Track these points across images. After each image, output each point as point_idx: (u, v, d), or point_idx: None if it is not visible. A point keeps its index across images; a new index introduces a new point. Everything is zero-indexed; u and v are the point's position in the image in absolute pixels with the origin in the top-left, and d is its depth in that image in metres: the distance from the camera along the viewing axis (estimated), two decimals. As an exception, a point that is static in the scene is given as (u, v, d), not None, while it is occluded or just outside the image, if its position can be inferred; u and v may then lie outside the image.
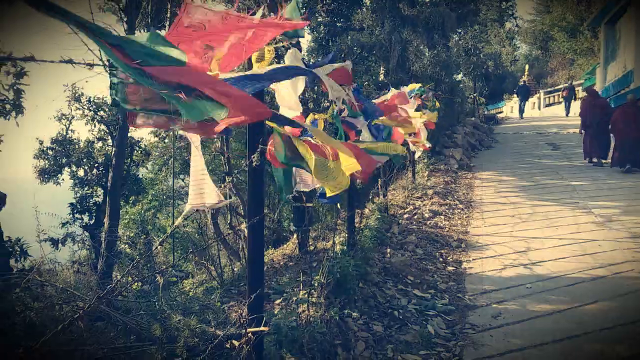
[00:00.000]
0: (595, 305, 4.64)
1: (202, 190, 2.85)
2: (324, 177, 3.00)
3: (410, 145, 7.17)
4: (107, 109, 9.83)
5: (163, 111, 2.09)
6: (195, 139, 2.79)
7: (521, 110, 26.88)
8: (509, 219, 8.07)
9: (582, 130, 12.51)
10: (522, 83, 29.13)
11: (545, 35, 38.34)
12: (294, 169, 3.66)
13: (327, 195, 3.57)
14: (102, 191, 9.62)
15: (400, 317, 4.51)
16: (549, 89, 31.93)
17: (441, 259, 6.36)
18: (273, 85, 3.07)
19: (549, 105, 30.46)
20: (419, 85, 6.87)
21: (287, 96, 3.20)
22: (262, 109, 2.02)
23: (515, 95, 30.90)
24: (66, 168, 9.88)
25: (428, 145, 8.14)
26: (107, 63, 1.88)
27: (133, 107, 2.03)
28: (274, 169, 3.41)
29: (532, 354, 3.80)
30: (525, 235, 7.08)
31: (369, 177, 4.24)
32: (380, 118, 5.10)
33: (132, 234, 9.98)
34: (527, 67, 34.22)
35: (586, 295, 4.85)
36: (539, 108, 31.37)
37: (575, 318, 4.37)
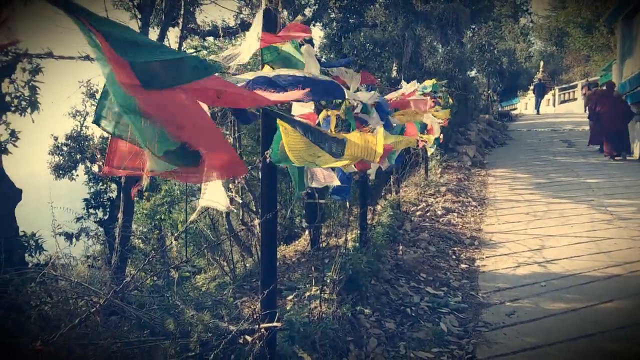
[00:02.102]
0: (611, 304, 4.58)
1: (213, 192, 2.85)
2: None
3: (421, 144, 7.09)
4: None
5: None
6: None
7: (537, 106, 28.30)
8: (523, 216, 8.00)
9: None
10: (537, 80, 29.29)
11: (561, 31, 37.82)
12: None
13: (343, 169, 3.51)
14: (116, 187, 9.70)
15: (413, 314, 4.50)
16: (563, 86, 31.54)
17: (454, 257, 6.32)
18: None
19: (564, 102, 30.11)
20: (433, 81, 6.81)
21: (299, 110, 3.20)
22: (239, 165, 1.87)
23: (529, 92, 31.26)
24: (80, 164, 9.98)
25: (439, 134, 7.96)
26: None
27: (112, 127, 1.83)
28: (289, 166, 3.40)
29: (546, 352, 3.76)
30: (539, 233, 7.01)
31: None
32: (395, 114, 5.07)
33: (145, 230, 10.05)
34: (542, 63, 33.78)
35: (601, 294, 4.80)
36: (554, 105, 31.03)
37: (591, 317, 4.32)
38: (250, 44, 2.80)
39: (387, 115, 4.35)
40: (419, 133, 6.29)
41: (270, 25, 2.74)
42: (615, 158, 12.42)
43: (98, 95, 9.01)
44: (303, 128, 2.36)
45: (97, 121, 1.84)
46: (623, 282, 5.11)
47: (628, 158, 12.39)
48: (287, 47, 3.05)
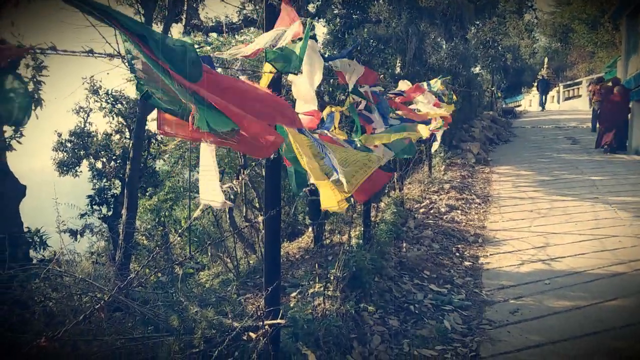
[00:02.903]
0: (616, 302, 4.56)
1: (209, 189, 2.83)
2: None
3: (432, 124, 7.00)
4: (124, 102, 9.89)
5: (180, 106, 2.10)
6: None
7: (542, 103, 28.73)
8: (527, 213, 7.97)
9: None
10: (541, 77, 29.32)
11: (565, 27, 37.59)
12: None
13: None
14: (120, 183, 9.71)
15: (417, 311, 4.49)
16: (568, 83, 31.41)
17: (458, 254, 6.31)
18: (290, 77, 3.04)
19: (568, 98, 29.99)
20: (438, 78, 6.79)
21: (304, 89, 3.18)
22: (275, 137, 2.11)
23: (533, 89, 31.38)
24: (84, 160, 9.98)
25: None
26: (126, 56, 1.87)
27: (159, 100, 2.05)
28: (288, 168, 3.40)
29: (550, 350, 3.75)
30: (543, 230, 6.99)
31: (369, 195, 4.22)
32: (397, 112, 5.07)
33: (149, 226, 10.07)
34: (546, 60, 33.66)
35: (606, 292, 4.78)
36: (558, 102, 30.92)
37: (595, 315, 4.31)
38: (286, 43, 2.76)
39: (386, 114, 4.36)
40: (425, 126, 6.28)
41: (274, 20, 2.73)
42: (611, 152, 12.84)
43: (102, 92, 8.94)
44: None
45: (146, 97, 2.05)
46: (628, 280, 5.09)
47: (625, 157, 12.40)
48: (290, 44, 3.03)
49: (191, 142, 8.81)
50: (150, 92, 1.99)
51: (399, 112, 5.20)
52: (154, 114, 9.37)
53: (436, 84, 6.99)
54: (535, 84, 30.69)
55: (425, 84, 6.61)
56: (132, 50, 1.77)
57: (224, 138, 2.15)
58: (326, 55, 3.44)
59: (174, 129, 2.28)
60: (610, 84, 14.27)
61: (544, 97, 29.07)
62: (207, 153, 2.79)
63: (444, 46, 14.54)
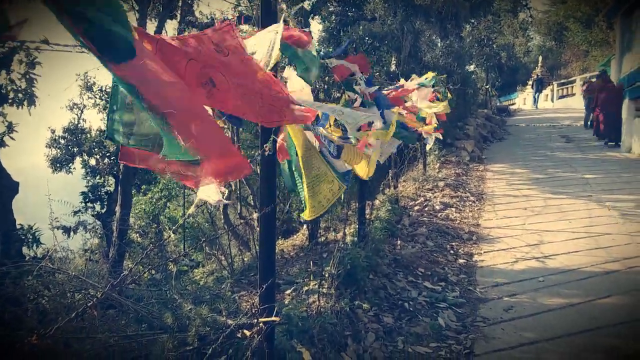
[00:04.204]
0: (609, 300, 4.59)
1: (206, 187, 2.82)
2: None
3: (423, 133, 7.06)
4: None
5: (151, 140, 1.98)
6: None
7: (535, 101, 29.67)
8: (521, 211, 8.00)
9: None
10: (536, 76, 29.87)
11: (560, 26, 37.69)
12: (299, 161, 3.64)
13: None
14: (114, 180, 9.67)
15: (411, 309, 4.50)
16: (562, 81, 31.54)
17: (452, 252, 6.32)
18: (286, 74, 3.03)
19: (562, 97, 30.12)
20: (434, 74, 6.77)
21: (299, 86, 3.16)
22: (240, 162, 1.83)
23: (528, 87, 31.85)
24: (78, 157, 9.94)
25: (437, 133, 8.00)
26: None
27: (126, 139, 1.96)
28: (281, 164, 3.39)
29: (544, 347, 3.77)
30: (537, 228, 7.02)
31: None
32: (393, 109, 5.05)
33: (143, 223, 10.04)
34: (540, 58, 33.77)
35: (599, 290, 4.80)
36: (552, 100, 31.05)
37: (588, 312, 4.33)
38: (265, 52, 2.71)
39: (384, 109, 4.34)
40: (419, 126, 6.28)
41: (270, 16, 2.72)
42: (609, 144, 13.64)
43: (96, 88, 8.87)
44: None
45: (110, 136, 1.93)
46: (621, 278, 5.11)
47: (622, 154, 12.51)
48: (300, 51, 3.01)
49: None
50: (112, 132, 1.93)
51: (395, 109, 5.18)
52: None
53: (429, 78, 6.98)
54: (530, 82, 31.06)
55: (416, 77, 6.60)
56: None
57: (187, 174, 1.90)
58: (321, 53, 3.44)
59: (136, 161, 2.12)
60: (599, 80, 15.25)
61: (537, 95, 29.74)
62: None
63: (439, 44, 14.56)
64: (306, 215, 3.27)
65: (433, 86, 7.03)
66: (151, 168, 2.14)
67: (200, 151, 1.66)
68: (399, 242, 6.25)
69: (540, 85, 29.99)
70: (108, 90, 9.68)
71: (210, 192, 2.71)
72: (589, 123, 16.33)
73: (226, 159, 1.79)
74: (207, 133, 1.70)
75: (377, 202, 7.67)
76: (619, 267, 5.41)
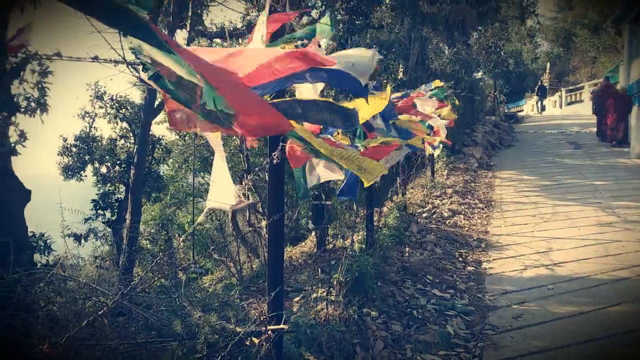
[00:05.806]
0: (619, 308, 4.55)
1: (223, 190, 2.85)
2: (352, 167, 2.97)
3: (427, 147, 7.07)
4: (129, 107, 9.94)
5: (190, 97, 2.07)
6: (217, 143, 2.77)
7: (540, 108, 30.66)
8: (530, 218, 7.96)
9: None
10: (540, 82, 30.88)
11: (567, 32, 37.66)
12: (307, 165, 3.65)
13: (365, 185, 3.57)
14: (124, 188, 9.74)
15: (419, 316, 4.49)
16: (570, 87, 31.44)
17: (461, 259, 6.30)
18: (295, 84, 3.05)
19: (571, 103, 30.00)
20: (442, 84, 6.80)
21: (307, 95, 3.19)
22: (279, 119, 1.97)
23: (534, 94, 32.39)
24: (89, 165, 10.02)
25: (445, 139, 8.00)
26: (131, 60, 1.89)
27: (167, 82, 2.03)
28: (295, 169, 3.41)
29: (553, 356, 3.75)
30: (546, 235, 6.98)
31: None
32: (399, 117, 5.06)
33: (152, 231, 10.09)
34: (548, 65, 33.70)
35: (609, 297, 4.77)
36: (560, 106, 30.94)
37: (598, 320, 4.30)
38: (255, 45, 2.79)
39: (390, 119, 4.36)
40: (426, 135, 6.29)
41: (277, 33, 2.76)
42: (614, 143, 14.30)
43: (107, 97, 8.98)
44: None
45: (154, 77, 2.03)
46: (631, 285, 5.07)
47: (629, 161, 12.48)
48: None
49: (194, 147, 8.82)
50: (159, 73, 1.99)
51: (401, 118, 5.19)
52: (158, 118, 9.41)
53: (435, 87, 6.99)
54: (536, 89, 31.30)
55: (424, 86, 6.62)
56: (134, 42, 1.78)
57: (228, 126, 2.02)
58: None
59: (184, 121, 2.29)
60: (604, 85, 15.68)
61: (541, 101, 30.62)
62: (219, 157, 2.81)
63: (446, 52, 14.58)
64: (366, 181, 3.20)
65: (446, 97, 7.05)
66: (195, 129, 2.29)
67: (236, 106, 1.84)
68: (407, 249, 6.25)
69: (543, 92, 30.47)
70: (119, 99, 9.79)
71: (226, 196, 2.74)
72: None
73: (264, 117, 1.93)
74: (245, 95, 1.89)
75: (385, 209, 7.67)
76: (629, 274, 5.37)
